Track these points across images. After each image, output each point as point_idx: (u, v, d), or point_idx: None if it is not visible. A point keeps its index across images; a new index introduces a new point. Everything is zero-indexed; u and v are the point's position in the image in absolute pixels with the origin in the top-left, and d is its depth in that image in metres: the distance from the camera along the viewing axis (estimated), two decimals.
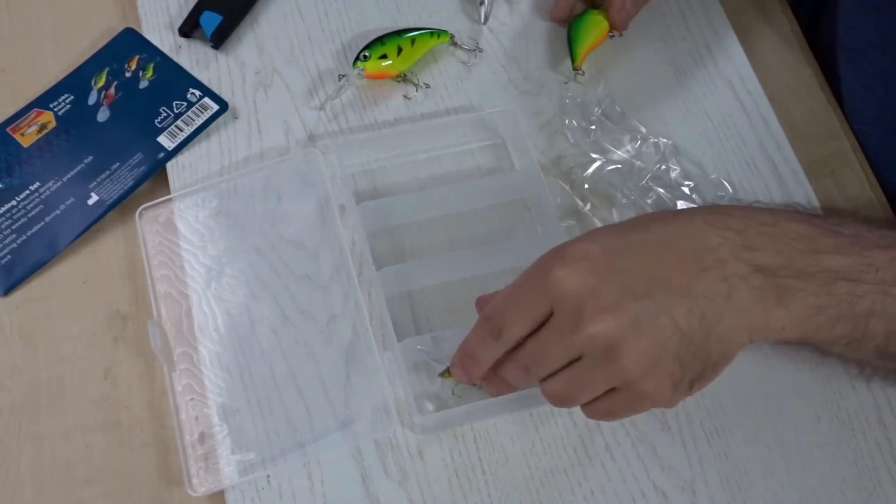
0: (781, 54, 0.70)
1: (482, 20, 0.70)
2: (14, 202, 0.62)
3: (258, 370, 0.57)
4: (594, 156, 0.63)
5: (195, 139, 0.65)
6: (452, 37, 0.69)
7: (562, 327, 0.47)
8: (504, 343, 0.49)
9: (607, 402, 0.49)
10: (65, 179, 0.63)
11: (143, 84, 0.67)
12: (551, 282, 0.47)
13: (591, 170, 0.62)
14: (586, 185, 0.62)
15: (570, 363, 0.47)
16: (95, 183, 0.63)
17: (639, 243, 0.48)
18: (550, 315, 0.47)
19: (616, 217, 0.61)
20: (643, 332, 0.46)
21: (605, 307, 0.46)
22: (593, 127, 0.64)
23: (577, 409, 0.56)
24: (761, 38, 0.71)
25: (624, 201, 0.61)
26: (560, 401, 0.49)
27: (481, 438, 0.56)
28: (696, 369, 0.47)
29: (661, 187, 0.62)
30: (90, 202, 0.62)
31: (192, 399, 0.56)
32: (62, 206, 0.62)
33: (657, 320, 0.46)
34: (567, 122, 0.64)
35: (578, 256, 0.47)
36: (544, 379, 0.49)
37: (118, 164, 0.64)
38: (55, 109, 0.66)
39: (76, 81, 0.67)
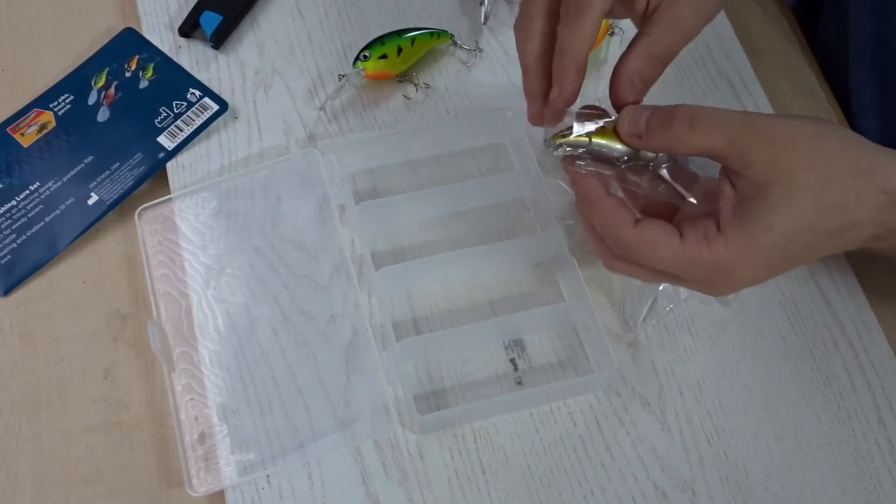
0: (781, 54, 0.70)
1: (482, 20, 0.70)
2: (14, 202, 0.62)
3: (258, 370, 0.57)
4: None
5: (195, 139, 0.65)
6: (452, 37, 0.69)
7: (689, 280, 0.48)
8: (621, 256, 0.49)
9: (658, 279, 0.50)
10: (65, 179, 0.63)
11: (143, 84, 0.67)
12: (711, 291, 0.48)
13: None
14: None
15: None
16: (95, 183, 0.63)
17: (803, 261, 0.48)
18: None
19: None
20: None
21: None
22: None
23: (576, 409, 0.56)
24: (761, 38, 0.71)
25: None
26: (616, 265, 0.50)
27: (481, 438, 0.56)
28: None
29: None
30: (90, 202, 0.62)
31: (191, 399, 0.56)
32: (62, 206, 0.62)
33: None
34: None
35: (747, 281, 0.47)
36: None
37: (118, 164, 0.64)
38: (55, 109, 0.66)
39: (76, 81, 0.67)
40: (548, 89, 0.50)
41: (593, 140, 0.49)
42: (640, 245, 0.47)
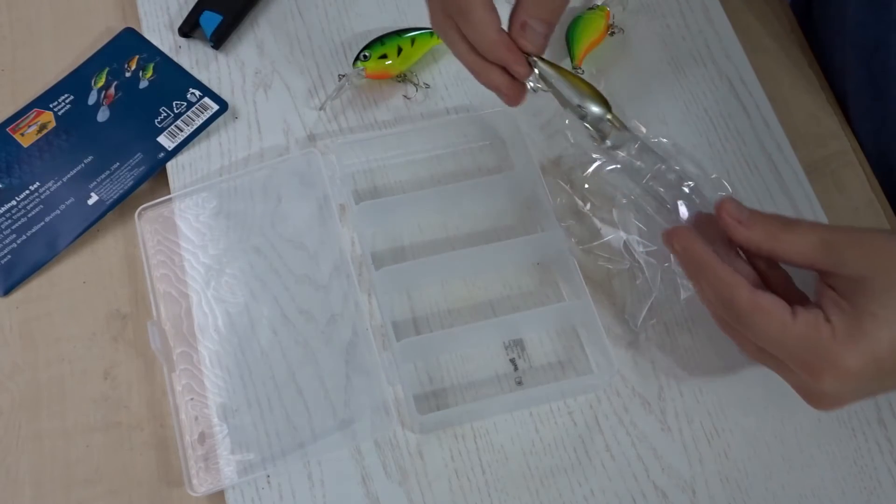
0: (781, 54, 0.70)
1: None
2: (14, 202, 0.62)
3: (258, 370, 0.57)
4: (594, 156, 0.63)
5: (195, 139, 0.65)
6: None
7: (793, 363, 0.48)
8: (729, 322, 0.50)
9: (774, 368, 0.50)
10: (65, 179, 0.63)
11: (143, 84, 0.67)
12: (814, 377, 0.46)
13: (591, 170, 0.62)
14: (586, 185, 0.62)
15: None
16: (95, 183, 0.63)
17: None
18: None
19: (616, 217, 0.61)
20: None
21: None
22: None
23: (576, 409, 0.56)
24: (761, 38, 0.71)
25: (624, 201, 0.61)
26: (733, 337, 0.51)
27: (481, 438, 0.56)
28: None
29: (662, 187, 0.61)
30: (90, 202, 0.62)
31: (191, 399, 0.56)
32: (62, 206, 0.62)
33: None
34: (567, 121, 0.64)
35: (855, 373, 0.46)
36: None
37: (118, 164, 0.64)
38: (55, 109, 0.66)
39: (76, 81, 0.67)
40: (504, 73, 0.53)
41: (563, 74, 0.54)
42: (753, 311, 0.48)
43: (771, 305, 0.47)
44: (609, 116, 0.55)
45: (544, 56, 0.53)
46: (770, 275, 0.52)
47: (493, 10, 0.51)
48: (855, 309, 0.46)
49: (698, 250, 0.50)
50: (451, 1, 0.51)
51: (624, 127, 0.55)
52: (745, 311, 0.48)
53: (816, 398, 0.49)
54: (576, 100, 0.54)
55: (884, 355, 0.45)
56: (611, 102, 0.65)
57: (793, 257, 0.49)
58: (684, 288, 0.57)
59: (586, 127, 0.55)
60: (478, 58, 0.53)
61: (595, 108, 0.54)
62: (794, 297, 0.51)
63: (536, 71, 0.53)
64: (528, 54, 0.52)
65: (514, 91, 0.54)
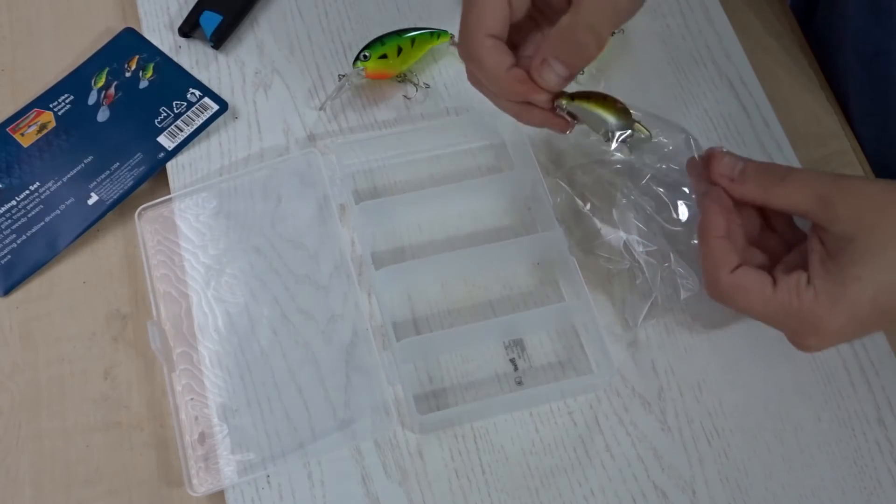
0: (781, 54, 0.70)
1: None
2: (14, 202, 0.62)
3: (258, 370, 0.57)
4: (594, 156, 0.63)
5: (195, 139, 0.65)
6: (452, 37, 0.69)
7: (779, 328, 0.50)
8: (716, 298, 0.52)
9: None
10: (65, 179, 0.63)
11: (143, 84, 0.67)
12: (799, 342, 0.50)
13: (591, 170, 0.62)
14: (586, 185, 0.62)
15: None
16: (95, 183, 0.63)
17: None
18: None
19: (616, 217, 0.61)
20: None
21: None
22: None
23: (576, 409, 0.56)
24: (761, 38, 0.71)
25: (624, 201, 0.61)
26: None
27: (481, 438, 0.56)
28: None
29: (661, 187, 0.61)
30: (90, 202, 0.62)
31: (191, 399, 0.56)
32: (62, 206, 0.62)
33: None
34: None
35: (836, 333, 0.48)
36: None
37: (118, 164, 0.64)
38: (55, 109, 0.66)
39: (76, 81, 0.67)
40: (523, 103, 0.53)
41: (587, 107, 0.53)
42: (733, 291, 0.50)
43: (751, 284, 0.50)
44: (631, 131, 0.55)
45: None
46: (771, 214, 0.54)
47: (502, 51, 0.51)
48: (840, 271, 0.47)
49: (710, 217, 0.52)
50: (467, 57, 0.52)
51: (647, 131, 0.56)
52: (727, 292, 0.50)
53: (802, 348, 0.51)
54: (600, 128, 0.54)
55: (863, 314, 0.47)
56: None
57: (787, 209, 0.51)
58: (684, 288, 0.57)
59: (616, 144, 0.55)
60: (509, 102, 0.53)
61: (619, 130, 0.54)
62: (791, 237, 0.54)
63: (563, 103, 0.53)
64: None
65: (554, 122, 0.53)
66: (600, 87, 0.66)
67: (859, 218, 0.47)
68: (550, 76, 0.50)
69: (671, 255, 0.58)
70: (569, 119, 0.53)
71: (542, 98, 0.52)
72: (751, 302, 0.50)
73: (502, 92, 0.52)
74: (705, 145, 0.65)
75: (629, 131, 0.54)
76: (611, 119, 0.54)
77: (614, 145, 0.55)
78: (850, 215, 0.47)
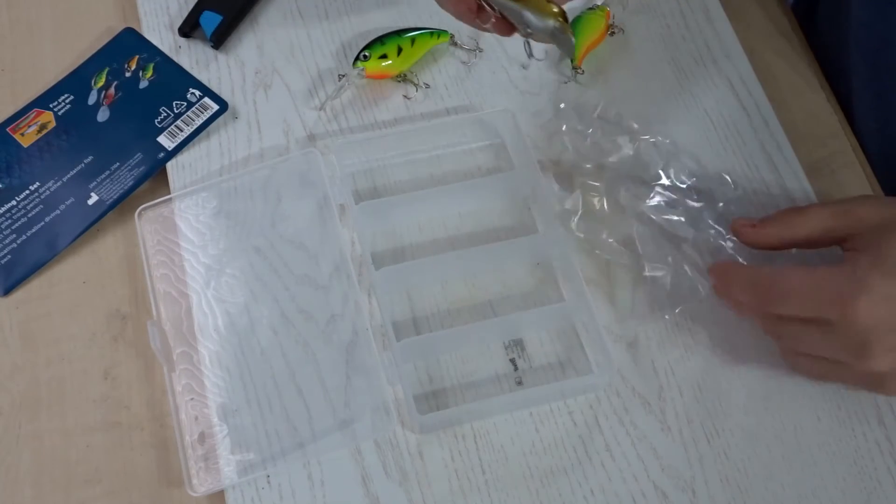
0: (781, 54, 0.70)
1: None
2: (14, 202, 0.62)
3: (258, 370, 0.57)
4: (593, 156, 0.63)
5: (195, 139, 0.65)
6: (452, 37, 0.69)
7: (843, 347, 0.50)
8: (763, 304, 0.52)
9: (831, 374, 0.54)
10: (65, 179, 0.63)
11: (143, 84, 0.67)
12: (848, 309, 0.49)
13: (590, 170, 0.62)
14: (586, 185, 0.62)
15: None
16: (95, 183, 0.63)
17: None
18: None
19: (617, 217, 0.61)
20: None
21: (893, 347, 0.49)
22: (590, 130, 0.64)
23: (576, 409, 0.56)
24: (761, 38, 0.71)
25: (625, 202, 0.61)
26: (794, 363, 0.55)
27: (481, 438, 0.56)
28: None
29: (662, 188, 0.61)
30: (90, 202, 0.62)
31: (191, 399, 0.56)
32: (62, 206, 0.62)
33: None
34: (563, 127, 0.64)
35: (884, 295, 0.48)
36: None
37: (118, 164, 0.64)
38: (55, 109, 0.66)
39: (76, 81, 0.67)
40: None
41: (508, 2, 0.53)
42: (776, 278, 0.51)
43: (792, 267, 0.51)
44: (557, 24, 0.54)
45: None
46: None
47: None
48: (879, 246, 0.49)
49: (720, 265, 0.55)
50: None
51: (571, 36, 0.55)
52: (770, 282, 0.51)
53: (878, 380, 0.51)
54: (521, 26, 0.54)
55: None
56: (610, 103, 0.65)
57: (811, 234, 0.53)
58: (685, 288, 0.57)
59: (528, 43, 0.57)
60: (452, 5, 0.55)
61: (539, 23, 0.54)
62: None
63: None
64: None
65: (495, 24, 0.54)
66: (600, 88, 0.66)
67: (883, 208, 0.51)
68: None
69: (672, 256, 0.58)
70: (490, 11, 0.54)
71: None
72: (795, 279, 0.50)
73: None
74: (706, 145, 0.65)
75: (549, 29, 0.54)
76: (530, 16, 0.54)
77: (531, 48, 0.57)
78: (873, 211, 0.51)
